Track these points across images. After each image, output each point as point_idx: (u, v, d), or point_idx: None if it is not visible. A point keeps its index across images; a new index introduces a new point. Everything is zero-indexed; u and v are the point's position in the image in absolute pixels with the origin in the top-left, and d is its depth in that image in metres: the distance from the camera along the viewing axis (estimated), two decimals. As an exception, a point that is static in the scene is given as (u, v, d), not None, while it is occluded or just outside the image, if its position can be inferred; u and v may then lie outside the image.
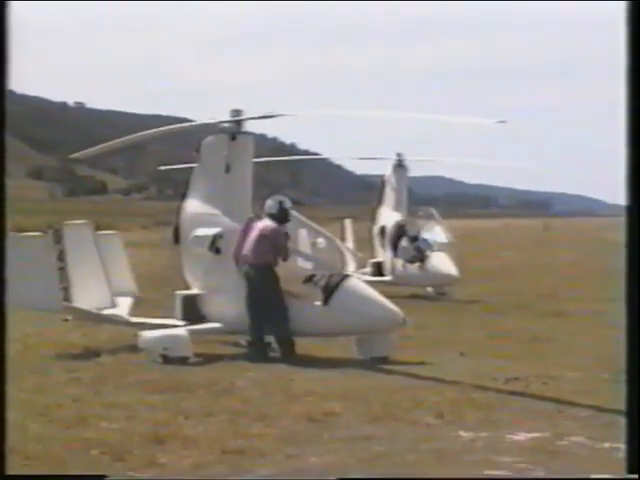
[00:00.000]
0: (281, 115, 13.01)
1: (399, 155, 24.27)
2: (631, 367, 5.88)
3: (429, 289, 23.31)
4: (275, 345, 12.93)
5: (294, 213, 13.63)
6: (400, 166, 24.17)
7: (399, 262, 23.07)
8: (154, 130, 14.10)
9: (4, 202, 6.02)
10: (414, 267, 22.84)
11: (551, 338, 15.22)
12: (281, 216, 13.17)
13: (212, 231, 13.09)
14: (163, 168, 25.72)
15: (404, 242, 23.08)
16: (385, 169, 24.46)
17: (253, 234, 12.96)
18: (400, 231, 23.27)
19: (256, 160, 13.81)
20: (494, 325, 16.99)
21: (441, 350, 13.68)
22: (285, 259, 12.97)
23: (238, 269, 13.03)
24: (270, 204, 13.23)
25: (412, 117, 14.52)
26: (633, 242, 5.89)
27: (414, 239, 23.11)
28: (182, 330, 12.76)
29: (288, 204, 13.34)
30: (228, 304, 13.06)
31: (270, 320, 12.76)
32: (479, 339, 15.13)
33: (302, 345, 12.94)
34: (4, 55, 5.84)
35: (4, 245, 6.15)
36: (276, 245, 12.90)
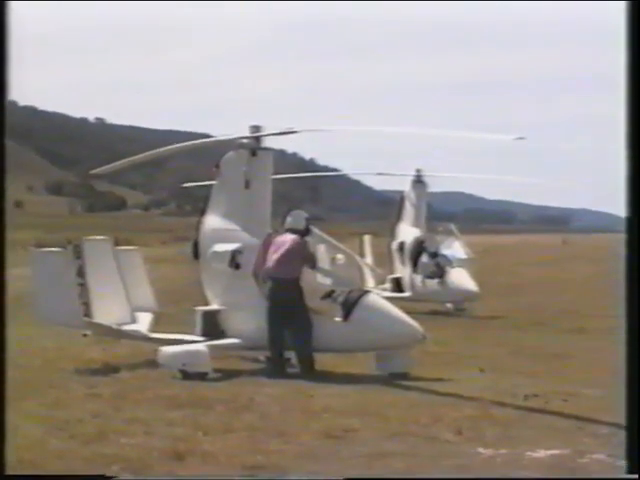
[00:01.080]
0: (300, 131, 13.04)
1: (418, 171, 24.27)
2: (630, 368, 6.07)
3: (449, 305, 23.27)
4: (294, 361, 12.93)
5: (313, 229, 13.65)
6: (419, 182, 24.16)
7: (418, 278, 23.05)
8: (174, 146, 14.18)
9: (4, 207, 6.18)
10: (433, 283, 22.81)
11: (571, 355, 15.15)
12: (304, 231, 13.24)
13: (231, 247, 13.11)
14: (187, 185, 25.77)
15: (423, 258, 23.06)
16: (404, 185, 24.47)
17: (280, 248, 12.98)
18: (419, 247, 23.26)
19: (276, 176, 13.84)
20: (514, 341, 16.93)
21: (460, 366, 13.64)
22: (314, 267, 13.02)
23: (259, 284, 13.05)
24: (294, 219, 13.26)
25: (431, 133, 14.53)
26: (633, 253, 5.99)
27: (433, 255, 23.09)
28: (201, 346, 12.77)
29: (309, 219, 13.41)
30: (247, 320, 13.06)
31: (294, 335, 12.75)
32: (498, 355, 15.08)
33: (321, 361, 12.93)
34: (4, 57, 5.91)
35: (4, 248, 6.27)
36: (305, 257, 12.95)
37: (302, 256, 12.92)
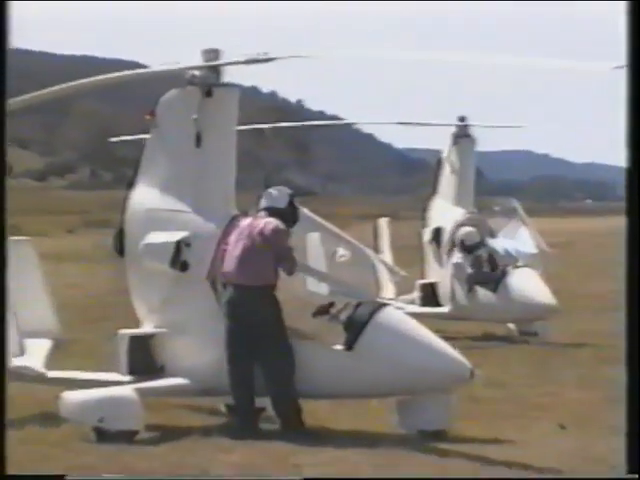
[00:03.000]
0: (280, 58, 12.96)
1: (462, 120, 24.23)
2: (631, 366, 8.38)
3: (510, 326, 23.30)
4: (272, 411, 12.98)
5: (303, 210, 13.64)
6: (464, 137, 24.14)
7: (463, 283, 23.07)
8: (90, 79, 14.02)
9: (4, 203, 7.99)
10: (486, 291, 22.82)
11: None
12: (289, 214, 13.18)
13: (175, 236, 13.12)
14: (114, 140, 25.71)
15: (455, 256, 23.10)
16: (441, 141, 24.47)
17: (242, 239, 13.00)
18: (464, 236, 23.29)
19: (244, 127, 13.83)
20: (610, 383, 16.93)
21: (528, 421, 13.69)
22: (291, 272, 13.00)
23: (217, 294, 13.08)
24: (271, 197, 13.25)
25: (486, 60, 14.43)
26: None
27: (485, 248, 23.12)
28: (128, 390, 12.78)
29: (294, 196, 13.36)
30: (199, 349, 13.11)
31: (266, 372, 12.81)
32: (587, 403, 15.10)
33: (312, 410, 12.98)
34: (4, 54, 7.89)
35: (4, 246, 8.21)
36: (279, 254, 12.92)
37: (275, 251, 12.90)
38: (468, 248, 23.13)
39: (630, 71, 7.75)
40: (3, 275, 8.20)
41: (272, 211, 13.17)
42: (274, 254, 12.94)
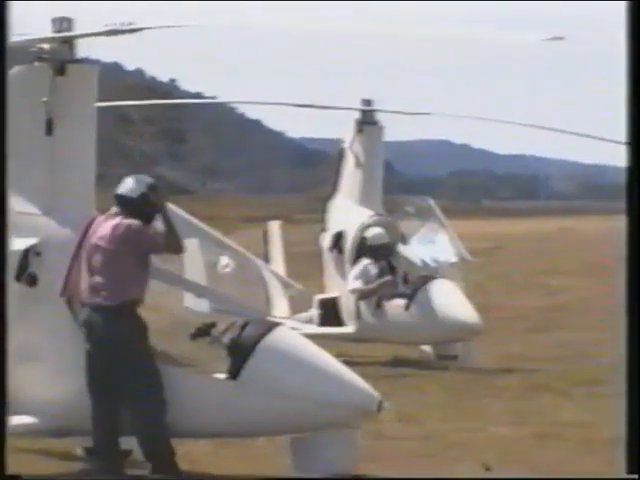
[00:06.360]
0: (148, 28, 12.89)
1: (368, 104, 24.27)
2: (631, 366, 9.19)
3: (426, 348, 23.37)
4: (140, 455, 12.96)
5: (174, 209, 13.55)
6: (369, 124, 24.18)
7: (369, 298, 23.11)
8: None
9: (5, 201, 9.62)
10: (397, 307, 22.86)
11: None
12: (140, 208, 13.06)
13: (21, 244, 13.06)
14: None
15: (375, 261, 23.13)
16: (343, 130, 24.47)
17: (98, 245, 12.96)
18: (372, 242, 23.33)
19: (105, 104, 13.71)
20: (543, 415, 17.04)
21: (447, 462, 13.78)
22: (178, 249, 13.01)
23: (73, 313, 13.02)
24: (129, 182, 13.16)
25: (398, 33, 14.55)
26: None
27: (393, 255, 23.16)
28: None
29: (158, 191, 13.28)
30: (51, 380, 13.06)
31: (131, 407, 12.81)
32: (517, 440, 15.17)
33: (189, 452, 13.02)
34: (4, 56, 9.71)
35: (4, 246, 9.64)
36: (145, 254, 12.91)
37: (137, 254, 12.88)
38: (373, 251, 23.05)
39: (630, 71, 8.90)
40: (3, 275, 9.46)
41: (121, 200, 13.09)
42: (136, 258, 12.90)
